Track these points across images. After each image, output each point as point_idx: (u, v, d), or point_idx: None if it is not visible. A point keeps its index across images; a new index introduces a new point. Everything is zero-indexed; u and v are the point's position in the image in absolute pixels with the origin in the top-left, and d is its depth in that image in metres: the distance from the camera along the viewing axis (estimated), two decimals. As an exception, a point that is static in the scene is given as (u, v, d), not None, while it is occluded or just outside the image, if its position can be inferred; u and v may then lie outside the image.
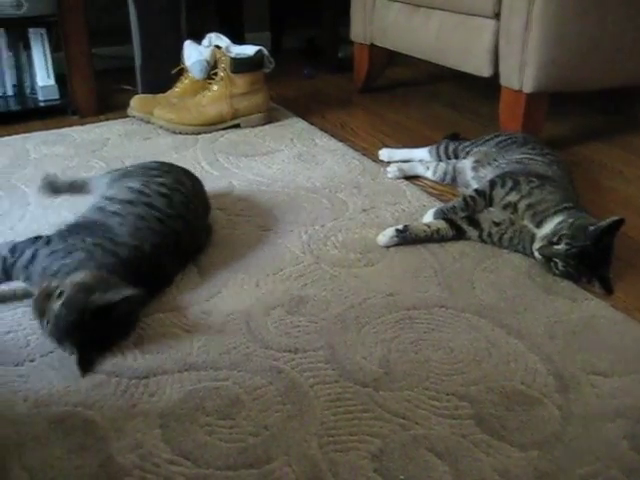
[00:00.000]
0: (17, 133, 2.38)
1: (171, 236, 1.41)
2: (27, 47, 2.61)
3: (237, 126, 2.37)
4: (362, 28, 2.66)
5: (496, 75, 2.08)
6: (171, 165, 1.67)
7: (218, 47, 2.36)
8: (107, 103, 2.62)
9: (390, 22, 2.50)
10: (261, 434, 1.04)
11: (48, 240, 1.36)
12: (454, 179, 1.87)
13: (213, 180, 1.95)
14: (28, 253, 1.33)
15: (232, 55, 2.32)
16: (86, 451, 1.02)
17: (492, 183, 1.61)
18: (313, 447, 1.01)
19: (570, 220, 1.43)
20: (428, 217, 1.65)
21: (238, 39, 2.58)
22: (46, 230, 1.63)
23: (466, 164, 1.81)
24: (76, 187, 1.76)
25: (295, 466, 0.98)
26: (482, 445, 1.02)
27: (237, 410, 1.09)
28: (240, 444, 1.02)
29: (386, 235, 1.58)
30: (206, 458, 1.00)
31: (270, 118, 2.42)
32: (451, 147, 1.92)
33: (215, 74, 2.35)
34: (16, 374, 1.18)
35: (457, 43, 2.21)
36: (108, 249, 1.31)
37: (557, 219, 1.46)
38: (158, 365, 1.19)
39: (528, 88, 1.98)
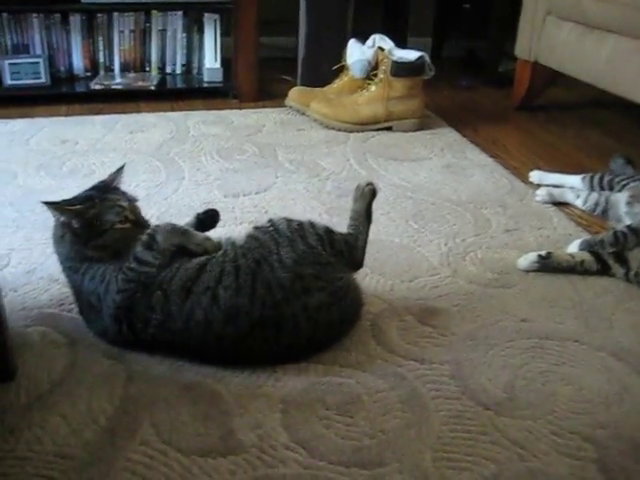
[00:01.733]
0: (180, 110, 2.53)
1: None
2: (200, 30, 2.76)
3: (389, 129, 2.38)
4: (528, 44, 2.60)
5: (667, 109, 1.98)
6: None
7: (381, 49, 2.38)
8: (266, 91, 2.71)
9: (559, 41, 2.43)
10: (377, 437, 1.05)
11: None
12: (605, 211, 1.79)
13: (360, 179, 1.96)
14: None
15: (394, 58, 2.33)
16: (210, 421, 1.07)
17: (648, 222, 1.53)
18: (427, 460, 1.01)
19: None
20: (573, 247, 1.59)
21: (400, 42, 2.59)
22: (197, 205, 1.73)
23: (620, 198, 1.73)
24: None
25: (406, 475, 0.98)
26: (603, 493, 0.98)
27: (356, 409, 1.10)
28: (355, 442, 1.04)
29: (527, 259, 1.54)
30: (321, 450, 1.02)
31: (423, 125, 2.42)
32: (606, 178, 1.84)
33: (375, 75, 2.38)
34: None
35: (629, 70, 2.12)
36: None
37: None
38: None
39: (701, 127, 1.87)
